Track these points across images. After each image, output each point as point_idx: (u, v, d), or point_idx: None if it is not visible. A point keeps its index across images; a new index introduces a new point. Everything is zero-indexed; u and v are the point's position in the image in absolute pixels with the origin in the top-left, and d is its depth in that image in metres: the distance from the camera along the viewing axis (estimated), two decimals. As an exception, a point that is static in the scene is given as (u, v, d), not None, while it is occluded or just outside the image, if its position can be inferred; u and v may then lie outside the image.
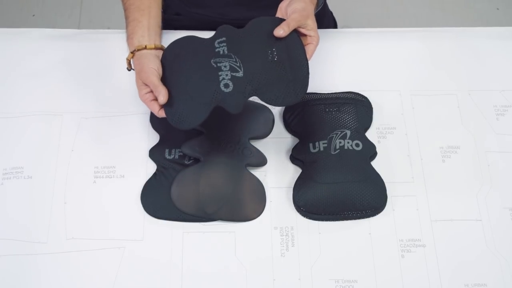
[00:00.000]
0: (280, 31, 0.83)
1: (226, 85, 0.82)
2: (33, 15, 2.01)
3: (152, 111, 0.86)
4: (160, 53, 0.89)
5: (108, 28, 0.99)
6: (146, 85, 0.85)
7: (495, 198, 0.91)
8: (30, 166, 0.91)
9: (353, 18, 1.99)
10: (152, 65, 0.85)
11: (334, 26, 1.28)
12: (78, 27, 1.96)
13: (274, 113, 0.97)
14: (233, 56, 0.83)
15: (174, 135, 0.93)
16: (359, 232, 0.88)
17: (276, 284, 0.84)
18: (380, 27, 1.13)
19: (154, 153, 0.92)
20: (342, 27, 1.29)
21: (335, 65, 1.03)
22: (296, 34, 0.85)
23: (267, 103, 0.83)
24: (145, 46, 0.88)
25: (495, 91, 1.01)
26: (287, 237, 0.87)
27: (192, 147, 0.91)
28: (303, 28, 0.85)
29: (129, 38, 0.91)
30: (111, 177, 0.91)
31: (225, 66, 0.83)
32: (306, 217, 0.88)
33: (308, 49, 0.85)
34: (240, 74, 0.83)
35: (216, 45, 0.85)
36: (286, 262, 0.85)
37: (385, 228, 0.88)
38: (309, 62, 0.90)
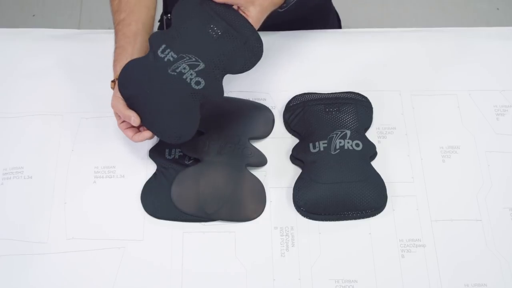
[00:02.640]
0: None
1: (197, 82, 0.83)
2: (33, 15, 2.01)
3: (128, 137, 0.88)
4: None
5: (108, 28, 0.98)
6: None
7: (495, 198, 0.91)
8: (30, 166, 0.91)
9: (353, 18, 1.99)
10: (120, 94, 0.86)
11: (338, 23, 1.28)
12: (78, 27, 1.96)
13: (274, 113, 0.98)
14: (184, 56, 0.83)
15: (174, 135, 0.93)
16: (359, 232, 0.88)
17: (276, 284, 0.84)
18: (380, 27, 1.13)
19: (154, 153, 0.92)
20: (343, 27, 1.29)
21: (335, 65, 1.03)
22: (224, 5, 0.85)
23: (238, 73, 0.85)
24: None
25: (495, 91, 1.01)
26: (287, 237, 0.87)
27: (192, 147, 0.91)
28: (242, 12, 0.84)
29: (113, 65, 0.91)
30: (111, 177, 0.91)
31: (184, 68, 0.83)
32: (306, 217, 0.88)
33: None
34: (202, 65, 0.83)
35: (161, 55, 0.84)
36: (286, 262, 0.85)
37: (385, 228, 0.88)
38: (309, 62, 0.91)
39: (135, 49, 0.90)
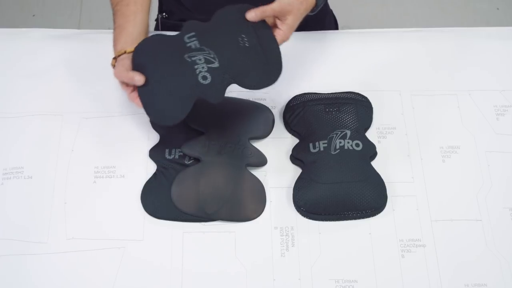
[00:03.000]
0: (252, 14, 0.84)
1: (204, 77, 0.84)
2: (33, 15, 2.01)
3: (139, 107, 0.87)
4: None
5: (108, 28, 0.98)
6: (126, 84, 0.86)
7: (495, 198, 0.91)
8: (30, 166, 0.91)
9: (353, 18, 1.99)
10: (123, 63, 0.86)
11: (335, 25, 1.28)
12: (78, 27, 1.96)
13: (274, 113, 0.98)
14: (205, 49, 0.85)
15: (174, 135, 0.93)
16: (359, 232, 0.88)
17: (276, 284, 0.84)
18: (380, 27, 1.13)
19: (154, 153, 0.92)
20: (342, 28, 1.29)
21: (335, 65, 1.03)
22: (263, 20, 0.87)
23: (246, 88, 0.86)
24: (125, 51, 0.88)
25: (495, 91, 1.01)
26: (287, 237, 0.87)
27: (192, 147, 0.91)
28: (279, 20, 0.86)
29: (113, 44, 0.91)
30: (111, 177, 0.91)
31: (199, 60, 0.84)
32: (306, 217, 0.88)
33: None
34: (216, 64, 0.84)
35: (187, 40, 0.85)
36: (286, 262, 0.85)
37: (385, 228, 0.88)
38: (309, 62, 0.90)
39: (135, 28, 0.91)
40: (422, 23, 2.00)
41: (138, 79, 0.83)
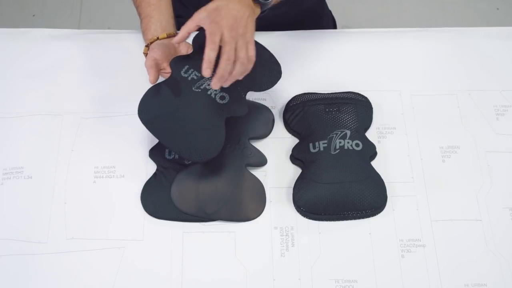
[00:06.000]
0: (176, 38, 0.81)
1: (222, 97, 0.85)
2: (33, 15, 2.01)
3: None
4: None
5: (108, 28, 0.99)
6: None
7: (495, 198, 0.91)
8: (30, 166, 0.91)
9: (353, 18, 1.99)
10: (154, 54, 0.89)
11: (334, 25, 1.28)
12: (78, 27, 1.96)
13: (274, 113, 0.98)
14: None
15: (174, 135, 0.93)
16: (359, 232, 0.88)
17: (276, 284, 0.84)
18: (380, 27, 1.13)
19: (154, 153, 0.92)
20: (342, 27, 1.29)
21: (335, 65, 1.03)
22: None
23: (260, 91, 0.89)
24: (157, 38, 0.91)
25: (495, 91, 1.01)
26: (287, 237, 0.87)
27: (192, 147, 0.91)
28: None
29: (144, 35, 0.94)
30: (111, 177, 0.91)
31: (208, 85, 0.85)
32: (306, 217, 0.88)
33: None
34: None
35: (185, 75, 0.86)
36: (286, 262, 0.85)
37: (385, 228, 0.88)
38: (309, 62, 0.89)
39: (162, 15, 0.93)
40: (422, 23, 2.00)
41: (151, 79, 0.87)
